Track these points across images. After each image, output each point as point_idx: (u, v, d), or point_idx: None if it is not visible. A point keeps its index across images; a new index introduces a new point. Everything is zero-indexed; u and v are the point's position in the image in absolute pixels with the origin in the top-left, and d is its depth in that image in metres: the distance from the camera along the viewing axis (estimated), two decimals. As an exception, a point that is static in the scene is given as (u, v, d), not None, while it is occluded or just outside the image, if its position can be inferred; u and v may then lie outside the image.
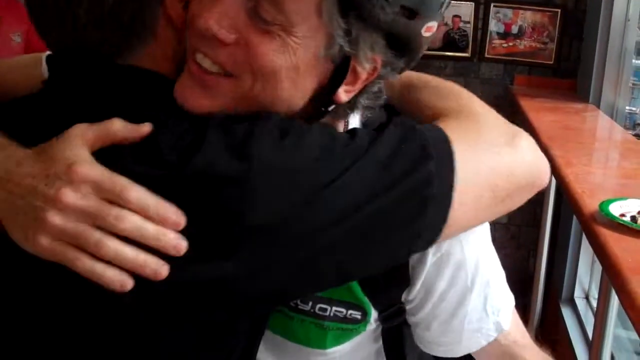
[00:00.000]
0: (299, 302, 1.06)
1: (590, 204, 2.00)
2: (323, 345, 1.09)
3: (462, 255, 1.06)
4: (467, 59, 4.39)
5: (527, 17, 4.40)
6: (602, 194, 2.13)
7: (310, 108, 0.97)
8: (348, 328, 1.08)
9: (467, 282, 1.08)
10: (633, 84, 4.02)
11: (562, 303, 3.63)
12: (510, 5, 4.40)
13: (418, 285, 1.06)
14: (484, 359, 1.17)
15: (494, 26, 4.42)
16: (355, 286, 1.05)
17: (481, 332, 1.13)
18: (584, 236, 2.65)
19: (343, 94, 0.97)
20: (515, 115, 3.53)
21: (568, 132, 3.25)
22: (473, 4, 4.32)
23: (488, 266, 1.12)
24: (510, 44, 4.42)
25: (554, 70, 4.42)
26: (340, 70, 0.94)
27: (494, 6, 4.39)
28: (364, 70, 0.96)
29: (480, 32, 4.41)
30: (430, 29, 0.97)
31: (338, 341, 1.10)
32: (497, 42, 4.44)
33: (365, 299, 1.06)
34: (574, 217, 2.18)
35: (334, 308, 1.06)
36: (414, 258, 1.04)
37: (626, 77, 3.94)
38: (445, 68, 4.37)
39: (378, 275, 1.03)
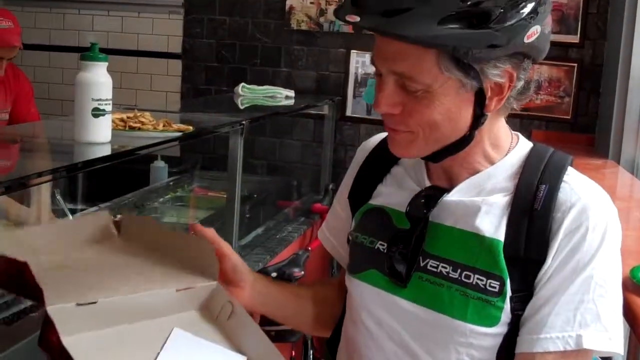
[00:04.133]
0: (450, 269, 1.23)
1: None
2: (464, 316, 1.21)
3: (587, 229, 1.19)
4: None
5: (543, 72, 4.34)
6: (630, 258, 2.02)
7: (473, 124, 1.22)
8: (487, 299, 1.20)
9: (580, 262, 1.19)
10: (653, 139, 3.94)
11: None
12: (526, 59, 4.34)
13: (550, 257, 1.20)
14: None
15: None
16: (500, 254, 1.20)
17: (562, 335, 1.18)
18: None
19: (495, 104, 1.21)
20: (534, 172, 3.43)
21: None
22: (488, 58, 4.27)
23: (603, 270, 1.20)
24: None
25: (571, 125, 4.35)
26: (480, 92, 1.18)
27: (510, 61, 4.34)
28: (503, 82, 1.18)
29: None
30: (532, 35, 1.17)
31: (478, 316, 1.21)
32: (513, 97, 4.38)
33: (505, 269, 1.20)
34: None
35: (476, 276, 1.21)
36: (553, 228, 1.20)
37: (646, 131, 3.86)
38: (461, 123, 4.30)
39: (520, 244, 1.21)
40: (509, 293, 1.20)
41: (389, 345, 1.29)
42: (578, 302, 1.18)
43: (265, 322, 2.88)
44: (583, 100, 4.34)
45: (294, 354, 3.17)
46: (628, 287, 1.79)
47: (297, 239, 3.40)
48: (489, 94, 1.19)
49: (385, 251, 1.30)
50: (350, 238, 1.42)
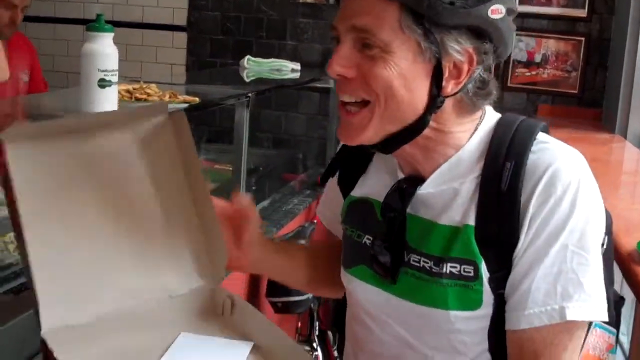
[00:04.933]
0: (432, 264, 1.21)
1: (627, 243, 1.90)
2: (446, 305, 1.20)
3: (556, 198, 1.15)
4: (489, 87, 4.32)
5: (550, 46, 4.32)
6: (637, 232, 2.03)
7: (429, 105, 1.17)
8: (465, 284, 1.19)
9: (553, 232, 1.15)
10: (660, 114, 3.92)
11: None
12: (533, 33, 4.32)
13: (526, 224, 1.16)
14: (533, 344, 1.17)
15: (516, 54, 4.34)
16: (471, 238, 1.19)
17: (545, 309, 1.16)
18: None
19: (451, 87, 1.17)
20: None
21: (595, 165, 3.12)
22: (495, 32, 4.24)
23: (577, 236, 1.16)
24: (534, 72, 4.34)
25: (578, 100, 4.33)
26: (438, 68, 1.15)
27: (517, 34, 4.30)
28: (462, 62, 1.16)
29: (502, 61, 4.33)
30: (496, 11, 1.15)
31: (459, 302, 1.20)
32: (520, 70, 4.36)
33: (478, 253, 1.18)
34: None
35: (450, 264, 1.20)
36: (522, 206, 1.16)
37: (653, 106, 3.85)
38: (467, 97, 4.29)
39: (491, 227, 1.18)
40: (485, 275, 1.18)
41: (386, 338, 1.30)
42: (557, 274, 1.16)
43: (272, 293, 2.90)
44: (590, 75, 4.32)
45: (300, 325, 3.19)
46: (634, 259, 1.80)
47: (303, 211, 3.40)
48: (446, 74, 1.15)
49: (371, 245, 1.29)
50: (342, 229, 1.41)
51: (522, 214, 1.16)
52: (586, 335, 1.27)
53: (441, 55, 1.14)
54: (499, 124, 1.24)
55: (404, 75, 1.14)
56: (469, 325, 1.21)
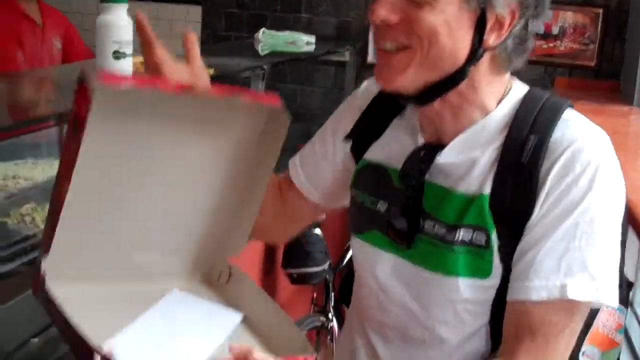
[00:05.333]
0: (445, 231, 1.21)
1: (646, 215, 1.89)
2: (456, 272, 1.21)
3: (575, 174, 1.14)
4: (505, 60, 4.29)
5: (567, 18, 4.27)
6: (657, 203, 2.01)
7: (470, 57, 1.17)
8: (477, 252, 1.19)
9: (566, 208, 1.15)
10: (679, 86, 3.89)
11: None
12: (551, 5, 4.27)
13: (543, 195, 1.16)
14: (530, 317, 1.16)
15: (533, 26, 4.30)
16: (485, 207, 1.19)
17: (546, 284, 1.15)
18: None
19: (492, 40, 1.17)
20: (557, 119, 3.41)
21: (614, 137, 3.09)
22: (511, 3, 4.21)
23: (590, 216, 1.15)
24: (551, 45, 4.30)
25: (595, 72, 4.30)
26: (482, 19, 1.15)
27: (534, 6, 4.28)
28: (504, 16, 1.16)
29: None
30: None
31: (469, 270, 1.20)
32: (537, 43, 4.32)
33: (491, 222, 1.18)
34: (630, 228, 2.05)
35: (463, 230, 1.20)
36: (540, 179, 1.16)
37: (672, 78, 3.81)
38: (483, 70, 4.27)
39: (506, 198, 1.18)
40: (496, 243, 1.18)
41: (393, 307, 1.30)
42: (563, 250, 1.15)
43: (287, 264, 2.90)
44: (608, 47, 4.27)
45: (315, 296, 3.20)
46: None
47: (318, 185, 3.40)
48: (488, 26, 1.15)
49: (386, 212, 1.29)
50: (351, 194, 1.39)
51: (539, 189, 1.16)
52: (596, 314, 1.28)
53: (486, 6, 1.14)
54: (526, 97, 1.24)
55: (449, 23, 1.14)
56: (476, 294, 1.21)
